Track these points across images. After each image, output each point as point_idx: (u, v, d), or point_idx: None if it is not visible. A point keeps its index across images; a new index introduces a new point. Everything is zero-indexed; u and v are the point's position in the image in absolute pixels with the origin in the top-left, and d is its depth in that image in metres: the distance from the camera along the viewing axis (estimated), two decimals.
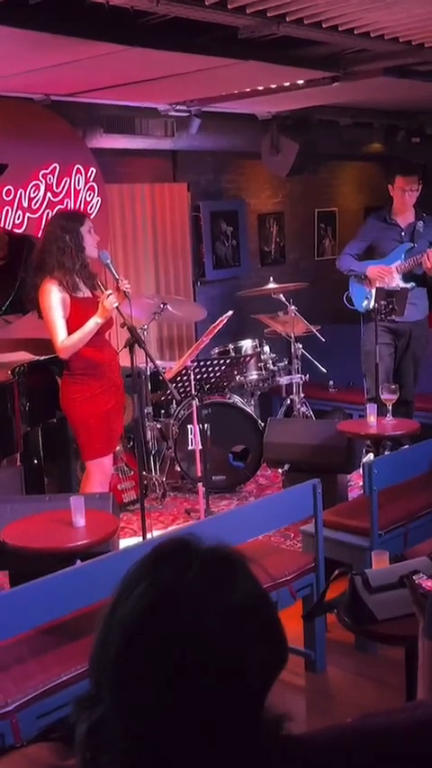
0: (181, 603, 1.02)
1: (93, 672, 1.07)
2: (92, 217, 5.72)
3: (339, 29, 3.77)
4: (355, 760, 1.09)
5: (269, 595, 1.11)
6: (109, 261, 4.25)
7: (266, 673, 1.07)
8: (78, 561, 3.11)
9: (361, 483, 4.15)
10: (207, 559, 1.07)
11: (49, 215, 5.58)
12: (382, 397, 4.79)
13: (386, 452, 5.07)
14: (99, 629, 1.07)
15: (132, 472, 5.36)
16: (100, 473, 4.31)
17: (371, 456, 5.14)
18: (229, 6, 3.32)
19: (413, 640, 1.83)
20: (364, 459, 5.03)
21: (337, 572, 2.62)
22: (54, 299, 4.12)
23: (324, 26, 3.70)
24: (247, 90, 5.36)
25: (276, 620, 1.11)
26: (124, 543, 4.30)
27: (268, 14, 3.46)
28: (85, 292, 4.21)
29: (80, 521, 3.26)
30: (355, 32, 3.85)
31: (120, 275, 4.30)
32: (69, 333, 4.13)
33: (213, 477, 5.53)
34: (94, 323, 4.10)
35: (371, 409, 4.75)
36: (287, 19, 3.54)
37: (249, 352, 6.00)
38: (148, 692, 1.00)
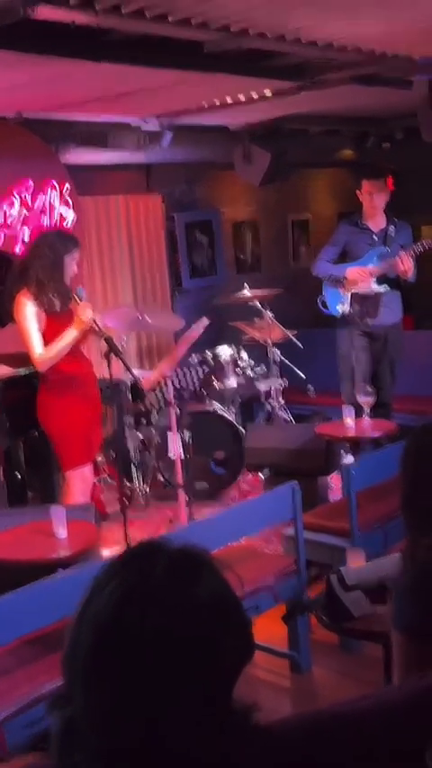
0: (148, 602, 1.06)
1: (65, 670, 1.10)
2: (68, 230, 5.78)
3: (302, 41, 3.84)
4: (319, 745, 1.14)
5: (234, 592, 1.14)
6: (84, 296, 4.26)
7: (233, 666, 1.11)
8: (60, 570, 3.14)
9: (340, 485, 4.21)
10: (173, 559, 1.11)
11: (26, 231, 5.64)
12: (358, 399, 4.86)
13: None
14: (71, 628, 1.11)
15: (114, 482, 5.39)
16: (80, 482, 4.34)
17: (350, 458, 5.20)
18: (192, 23, 3.38)
19: (390, 636, 1.88)
20: (344, 461, 5.09)
21: (313, 572, 2.67)
22: (29, 312, 4.16)
23: (287, 38, 3.77)
24: (217, 102, 5.42)
25: (242, 615, 1.15)
26: (107, 553, 4.33)
27: (231, 29, 3.53)
28: (59, 307, 4.25)
29: (62, 532, 3.29)
30: (318, 44, 3.92)
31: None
32: (45, 345, 4.17)
33: (196, 485, 5.56)
34: (71, 335, 4.15)
35: (348, 412, 4.82)
36: (250, 33, 3.61)
37: (227, 359, 6.05)
38: (116, 689, 1.04)
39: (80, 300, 4.18)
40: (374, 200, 5.67)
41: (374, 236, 5.76)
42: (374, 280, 5.71)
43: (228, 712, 1.10)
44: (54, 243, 4.22)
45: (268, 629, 3.64)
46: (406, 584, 1.73)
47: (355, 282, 5.64)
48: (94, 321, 4.14)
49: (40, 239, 4.37)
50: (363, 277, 5.64)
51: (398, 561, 2.42)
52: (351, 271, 5.69)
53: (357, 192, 5.75)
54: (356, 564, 2.67)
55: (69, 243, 4.31)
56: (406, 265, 5.49)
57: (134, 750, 1.04)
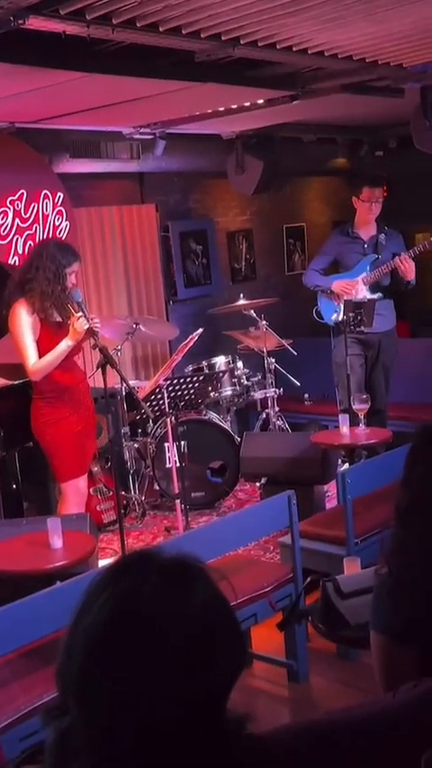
0: (139, 613, 1.05)
1: (59, 682, 1.10)
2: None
3: (293, 49, 3.85)
4: (313, 753, 1.13)
5: (227, 601, 1.13)
6: (81, 300, 4.26)
7: (227, 675, 1.10)
8: (57, 582, 3.13)
9: (337, 493, 4.21)
10: (165, 569, 1.10)
11: (19, 241, 5.64)
12: (353, 407, 4.86)
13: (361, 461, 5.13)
14: (64, 640, 1.10)
15: (111, 492, 5.38)
16: (75, 494, 4.34)
17: (346, 466, 5.20)
18: (183, 31, 3.39)
19: None
20: (340, 470, 5.08)
21: (308, 580, 2.66)
22: (24, 321, 4.16)
23: (278, 47, 3.78)
24: (209, 111, 5.44)
25: (236, 626, 1.14)
26: (104, 564, 4.32)
27: (222, 38, 3.54)
28: (55, 317, 4.26)
29: (57, 542, 3.29)
30: (309, 52, 3.94)
31: (90, 313, 4.31)
32: (40, 356, 4.17)
33: (192, 494, 5.56)
34: (65, 345, 4.15)
35: (343, 420, 4.82)
36: (241, 42, 3.62)
37: (223, 368, 6.06)
38: (109, 700, 1.03)
39: (76, 303, 4.19)
40: (373, 208, 5.71)
41: (365, 245, 5.79)
42: (367, 288, 5.73)
43: (222, 722, 1.09)
44: (55, 255, 4.21)
45: (266, 637, 3.63)
46: (384, 586, 1.73)
47: (341, 295, 5.67)
48: (89, 331, 4.14)
49: (39, 250, 4.34)
50: (348, 290, 5.67)
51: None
52: (337, 284, 5.74)
53: (354, 198, 5.77)
54: (353, 572, 2.66)
55: (70, 256, 4.29)
56: (406, 265, 5.50)
57: (128, 760, 1.03)
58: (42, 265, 4.17)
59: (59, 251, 4.26)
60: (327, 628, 2.45)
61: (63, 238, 5.83)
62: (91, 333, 4.13)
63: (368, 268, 5.73)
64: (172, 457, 5.28)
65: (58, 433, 4.27)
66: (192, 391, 5.02)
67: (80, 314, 4.15)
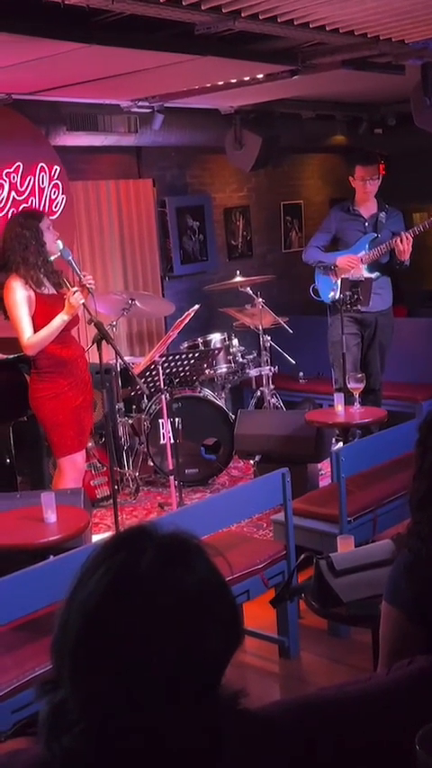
0: (136, 587, 1.05)
1: (54, 655, 1.10)
2: (57, 214, 5.76)
3: (295, 23, 3.81)
4: (306, 729, 1.13)
5: (224, 578, 1.13)
6: (71, 257, 4.28)
7: (221, 653, 1.10)
8: (51, 557, 3.14)
9: (330, 471, 4.21)
10: (162, 544, 1.10)
11: (14, 213, 5.59)
12: (348, 386, 4.86)
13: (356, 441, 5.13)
14: (60, 614, 1.10)
15: (105, 468, 5.39)
16: (72, 469, 4.34)
17: (340, 445, 5.20)
18: (183, 3, 3.35)
19: (379, 620, 1.88)
20: (334, 448, 5.09)
21: (302, 557, 2.67)
22: (19, 296, 4.15)
23: (279, 20, 3.73)
24: (208, 85, 5.38)
25: (231, 602, 1.14)
26: (97, 539, 4.33)
27: (223, 10, 3.49)
28: (50, 289, 4.25)
29: (51, 517, 3.29)
30: (311, 26, 3.89)
31: (82, 271, 4.34)
32: (35, 330, 4.16)
33: (186, 471, 5.57)
34: (60, 320, 4.14)
35: (338, 399, 4.82)
36: (242, 14, 3.57)
37: (218, 345, 6.05)
38: (104, 675, 1.03)
39: (67, 262, 4.22)
40: (368, 187, 5.67)
41: (365, 223, 5.76)
42: (365, 266, 5.71)
43: (216, 697, 1.09)
44: (23, 221, 4.29)
45: (258, 614, 3.65)
46: (404, 562, 1.73)
47: (345, 271, 5.65)
48: (84, 306, 4.13)
49: (8, 225, 4.40)
50: (353, 265, 5.65)
51: (389, 547, 2.43)
52: (342, 259, 5.70)
53: (350, 178, 5.74)
54: (346, 550, 2.67)
55: (35, 214, 4.43)
56: (403, 246, 5.47)
57: (122, 735, 1.03)
58: (16, 234, 4.22)
59: (25, 217, 4.37)
60: (319, 605, 2.47)
61: (59, 212, 5.80)
62: (87, 291, 4.15)
63: (367, 247, 5.70)
64: (166, 433, 5.28)
65: (57, 407, 4.26)
66: (187, 368, 5.02)
67: (75, 288, 4.15)
